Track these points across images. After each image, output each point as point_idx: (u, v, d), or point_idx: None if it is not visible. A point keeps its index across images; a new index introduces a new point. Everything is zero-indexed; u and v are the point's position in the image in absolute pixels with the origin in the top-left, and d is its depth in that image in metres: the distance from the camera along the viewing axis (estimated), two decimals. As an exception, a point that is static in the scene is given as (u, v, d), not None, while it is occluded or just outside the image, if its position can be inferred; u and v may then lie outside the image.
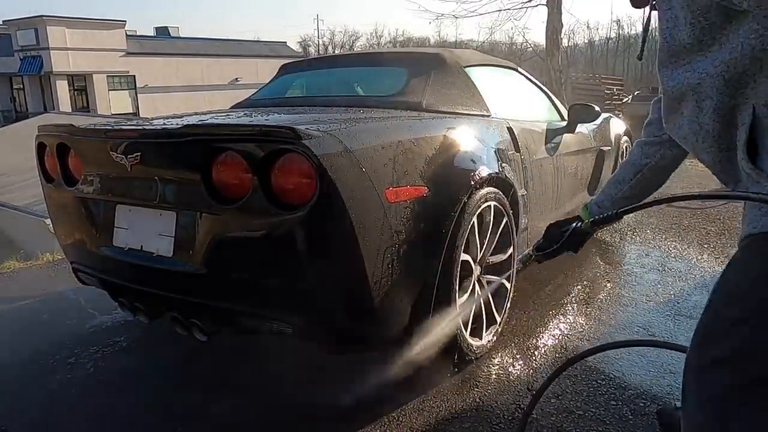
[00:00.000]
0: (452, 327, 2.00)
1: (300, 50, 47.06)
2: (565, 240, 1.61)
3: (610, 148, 3.86)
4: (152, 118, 2.63)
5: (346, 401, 1.98)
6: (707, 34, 0.94)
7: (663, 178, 1.48)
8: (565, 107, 3.44)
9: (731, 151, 0.99)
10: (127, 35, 28.21)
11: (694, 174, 5.29)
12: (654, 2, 1.07)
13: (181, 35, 34.07)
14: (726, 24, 0.91)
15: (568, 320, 2.60)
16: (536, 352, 2.29)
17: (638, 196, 1.49)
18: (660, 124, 1.23)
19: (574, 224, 1.59)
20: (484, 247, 2.22)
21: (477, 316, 2.20)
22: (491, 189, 2.18)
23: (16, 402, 2.02)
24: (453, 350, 2.08)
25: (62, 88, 26.42)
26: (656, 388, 1.99)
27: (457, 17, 23.53)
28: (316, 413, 1.91)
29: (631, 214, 4.45)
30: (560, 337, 2.42)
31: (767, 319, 0.87)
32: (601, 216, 1.45)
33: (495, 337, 2.30)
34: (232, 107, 3.02)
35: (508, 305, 2.43)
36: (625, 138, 4.27)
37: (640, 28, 1.39)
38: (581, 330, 2.50)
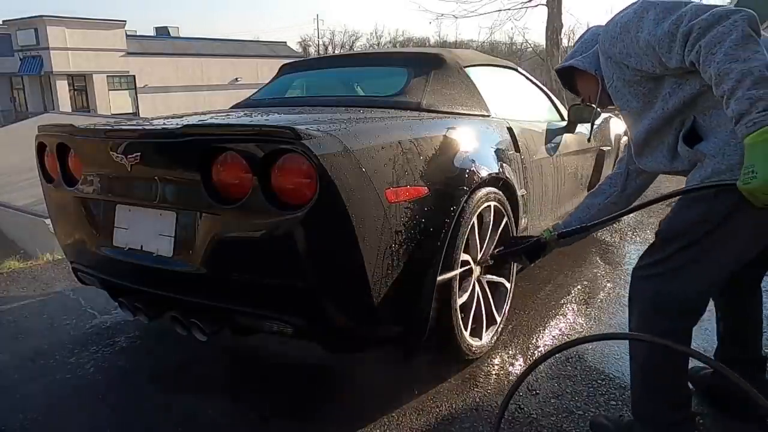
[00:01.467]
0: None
1: (300, 50, 46.98)
2: (523, 246, 1.89)
3: (610, 148, 3.86)
4: (152, 118, 2.63)
5: (347, 401, 1.98)
6: (649, 97, 1.48)
7: (626, 204, 1.80)
8: (565, 107, 3.44)
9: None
10: (127, 35, 28.17)
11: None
12: (607, 94, 1.60)
13: (181, 35, 34.04)
14: (657, 85, 1.45)
15: (568, 320, 2.60)
16: (536, 352, 2.29)
17: (602, 219, 1.78)
18: (628, 161, 1.75)
19: (542, 235, 1.84)
20: (484, 247, 2.22)
21: (477, 316, 2.20)
22: (491, 189, 2.18)
23: (16, 402, 2.02)
24: (453, 350, 2.09)
25: (62, 88, 26.39)
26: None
27: (457, 17, 23.53)
28: (316, 413, 1.91)
29: (631, 215, 4.48)
30: (560, 337, 2.43)
31: (695, 245, 1.41)
32: (568, 229, 1.78)
33: (495, 337, 2.30)
34: (232, 107, 3.02)
35: (508, 305, 2.43)
36: (625, 138, 4.26)
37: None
38: (581, 330, 2.50)
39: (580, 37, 1.76)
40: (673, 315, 1.47)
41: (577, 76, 1.74)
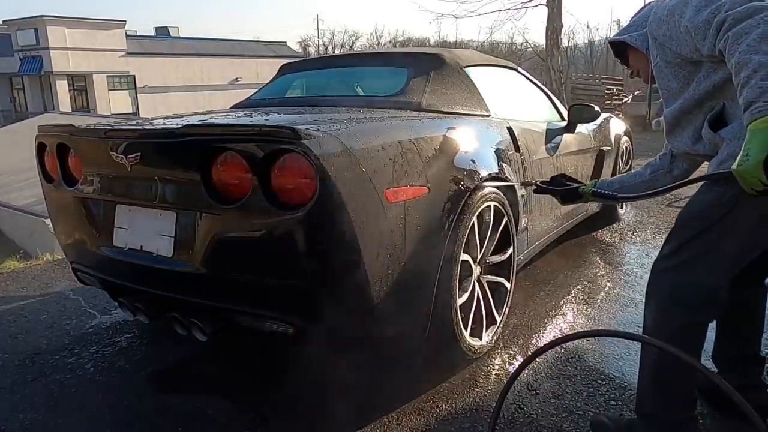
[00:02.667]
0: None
1: (300, 50, 47.01)
2: (562, 188, 2.02)
3: (610, 148, 3.86)
4: (152, 118, 2.63)
5: (347, 401, 1.98)
6: (688, 79, 1.54)
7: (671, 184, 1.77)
8: (565, 107, 3.44)
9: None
10: (127, 35, 28.18)
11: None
12: (652, 74, 1.66)
13: (181, 35, 34.03)
14: (696, 69, 1.51)
15: (568, 320, 2.60)
16: (536, 352, 2.29)
17: (646, 191, 1.81)
18: None
19: (577, 185, 1.96)
20: (484, 247, 2.22)
21: (477, 316, 2.20)
22: (491, 189, 2.18)
23: (16, 402, 2.02)
24: (453, 350, 2.08)
25: (62, 88, 26.39)
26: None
27: (457, 17, 23.55)
28: (316, 413, 1.91)
29: (630, 214, 4.48)
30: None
31: (713, 229, 1.46)
32: (601, 191, 1.90)
33: (495, 337, 2.30)
34: (232, 107, 3.02)
35: (508, 305, 2.43)
36: (625, 138, 4.27)
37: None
38: (581, 330, 2.49)
39: (637, 13, 1.78)
40: (690, 308, 1.49)
41: (629, 51, 1.78)
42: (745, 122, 1.24)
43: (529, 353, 2.29)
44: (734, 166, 1.24)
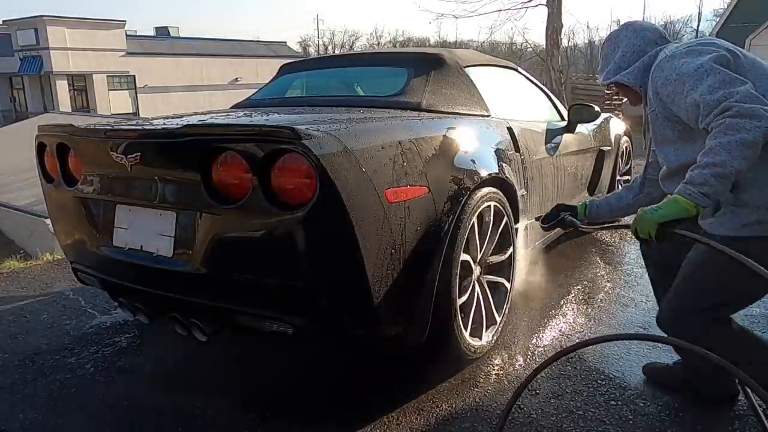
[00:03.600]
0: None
1: (300, 50, 46.99)
2: (556, 222, 2.11)
3: (610, 148, 3.86)
4: (152, 118, 2.63)
5: (347, 401, 1.98)
6: (683, 133, 1.66)
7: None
8: (565, 107, 3.44)
9: None
10: (127, 35, 28.16)
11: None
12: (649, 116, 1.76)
13: (181, 35, 34.02)
14: (692, 127, 1.59)
15: (568, 320, 2.60)
16: (536, 352, 2.29)
17: (629, 214, 1.98)
18: (655, 166, 1.90)
19: (565, 214, 2.08)
20: (484, 247, 2.22)
21: (477, 316, 2.20)
22: (491, 189, 2.18)
23: (16, 402, 2.02)
24: (453, 350, 2.08)
25: (62, 88, 26.37)
26: (656, 388, 1.99)
27: (457, 17, 23.55)
28: (316, 413, 1.92)
29: (630, 216, 4.48)
30: (560, 338, 2.42)
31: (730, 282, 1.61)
32: (575, 221, 2.07)
33: (495, 337, 2.30)
34: (232, 107, 3.02)
35: (508, 305, 2.42)
36: (625, 138, 4.26)
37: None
38: (581, 330, 2.49)
39: (612, 43, 1.81)
40: (706, 310, 1.65)
41: (619, 85, 1.84)
42: (675, 191, 1.47)
43: (529, 354, 2.29)
44: (640, 211, 1.53)
